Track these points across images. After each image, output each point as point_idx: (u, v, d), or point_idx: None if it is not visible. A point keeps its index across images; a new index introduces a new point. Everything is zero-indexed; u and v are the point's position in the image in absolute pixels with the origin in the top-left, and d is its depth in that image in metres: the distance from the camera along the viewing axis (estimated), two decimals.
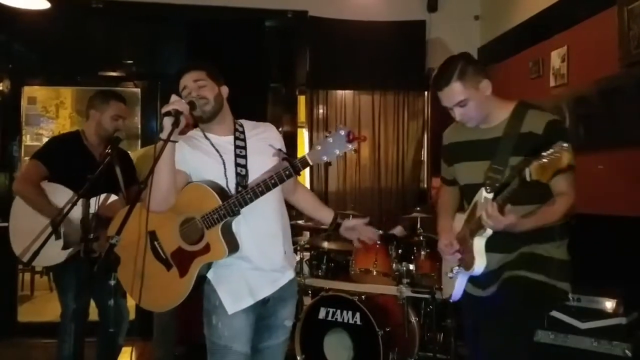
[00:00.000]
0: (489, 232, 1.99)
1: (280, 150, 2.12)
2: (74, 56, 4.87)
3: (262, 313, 2.15)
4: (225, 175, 2.09)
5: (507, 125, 2.07)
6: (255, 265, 2.10)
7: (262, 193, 1.96)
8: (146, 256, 2.03)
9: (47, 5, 3.89)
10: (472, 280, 2.21)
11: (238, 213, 2.01)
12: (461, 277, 2.22)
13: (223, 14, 4.80)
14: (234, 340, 2.05)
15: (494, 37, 4.77)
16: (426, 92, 5.16)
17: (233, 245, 2.06)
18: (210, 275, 2.12)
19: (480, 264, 2.06)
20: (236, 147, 2.14)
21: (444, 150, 2.37)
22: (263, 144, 2.17)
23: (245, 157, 2.13)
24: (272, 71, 5.10)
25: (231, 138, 2.17)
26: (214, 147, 2.13)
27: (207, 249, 2.03)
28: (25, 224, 2.91)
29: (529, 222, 1.96)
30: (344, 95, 5.14)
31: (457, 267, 2.21)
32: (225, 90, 2.20)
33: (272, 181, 1.96)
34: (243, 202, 1.97)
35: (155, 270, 2.07)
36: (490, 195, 2.00)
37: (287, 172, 1.93)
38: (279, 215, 2.18)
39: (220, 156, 2.10)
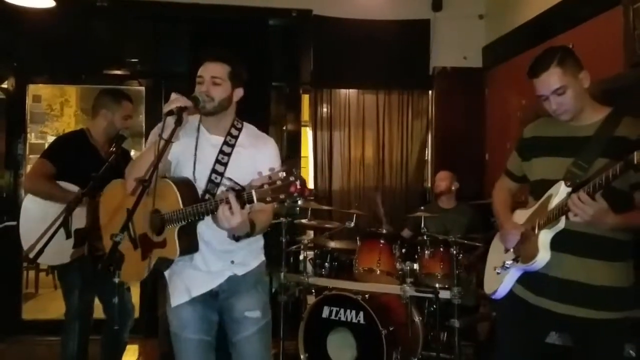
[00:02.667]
0: (561, 225, 1.94)
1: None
2: (79, 55, 4.89)
3: (219, 306, 2.23)
4: (194, 176, 2.13)
5: (601, 126, 2.02)
6: (193, 264, 2.16)
7: (213, 212, 1.94)
8: (117, 222, 2.09)
9: (52, 3, 3.91)
10: (525, 282, 2.14)
11: (199, 219, 2.03)
12: (513, 272, 2.16)
13: (227, 12, 4.80)
14: (182, 329, 2.20)
15: (499, 36, 4.76)
16: (430, 92, 5.15)
17: (189, 247, 2.09)
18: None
19: (543, 257, 2.00)
20: (220, 151, 2.15)
21: (522, 143, 2.29)
22: (250, 162, 2.13)
23: (225, 164, 2.14)
24: (276, 70, 5.10)
25: (220, 140, 2.17)
26: (196, 144, 2.15)
27: (164, 244, 2.07)
28: (35, 224, 2.92)
29: (617, 217, 1.86)
30: (347, 94, 5.14)
31: (510, 261, 2.14)
32: (238, 93, 2.19)
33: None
34: (198, 215, 1.97)
35: (128, 246, 2.09)
36: (570, 189, 1.94)
37: (236, 202, 1.84)
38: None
39: (195, 155, 2.14)
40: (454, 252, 3.44)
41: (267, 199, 1.78)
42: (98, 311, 3.20)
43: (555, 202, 1.97)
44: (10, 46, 4.83)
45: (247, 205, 1.86)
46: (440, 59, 5.07)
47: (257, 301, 2.25)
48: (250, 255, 2.27)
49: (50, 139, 7.45)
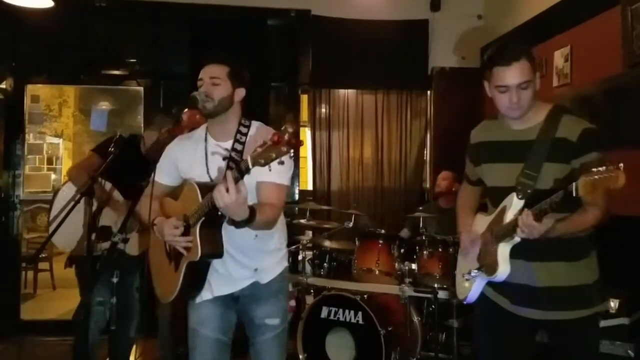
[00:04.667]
0: (517, 239, 1.94)
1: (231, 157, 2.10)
2: (78, 55, 4.89)
3: (238, 309, 2.24)
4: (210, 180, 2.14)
5: (542, 129, 2.01)
6: (216, 267, 2.15)
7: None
8: (160, 248, 2.13)
9: (51, 3, 3.91)
10: (496, 287, 2.14)
11: (218, 216, 1.96)
12: (479, 280, 2.17)
13: (226, 12, 4.81)
14: (201, 325, 2.20)
15: (497, 36, 4.76)
16: (429, 92, 5.16)
17: (213, 249, 2.03)
18: None
19: (504, 271, 2.01)
20: (233, 149, 2.15)
21: (471, 149, 2.30)
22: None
23: (239, 161, 2.12)
24: (274, 70, 5.10)
25: (229, 144, 2.16)
26: (205, 153, 2.16)
27: (189, 248, 2.03)
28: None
29: (561, 227, 1.89)
30: (346, 94, 5.14)
31: (475, 270, 2.14)
32: (240, 93, 2.19)
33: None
34: (211, 203, 1.89)
35: (163, 262, 2.14)
36: (522, 202, 1.95)
37: (235, 175, 1.81)
38: (250, 234, 2.09)
39: (207, 166, 2.15)
40: (453, 252, 3.44)
41: (261, 161, 1.71)
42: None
43: (509, 215, 1.98)
44: (9, 46, 4.82)
45: (245, 188, 1.80)
46: (438, 59, 5.08)
47: (277, 309, 2.25)
48: (274, 262, 2.26)
49: (49, 139, 7.48)
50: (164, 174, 2.25)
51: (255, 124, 2.23)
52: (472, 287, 2.20)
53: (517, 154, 2.04)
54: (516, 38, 2.10)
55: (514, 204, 1.99)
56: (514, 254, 2.01)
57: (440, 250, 3.58)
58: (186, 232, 2.04)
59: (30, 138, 6.33)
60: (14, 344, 4.44)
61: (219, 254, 2.05)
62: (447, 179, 4.34)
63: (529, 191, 1.96)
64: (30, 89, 5.48)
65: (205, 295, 2.19)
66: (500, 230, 2.02)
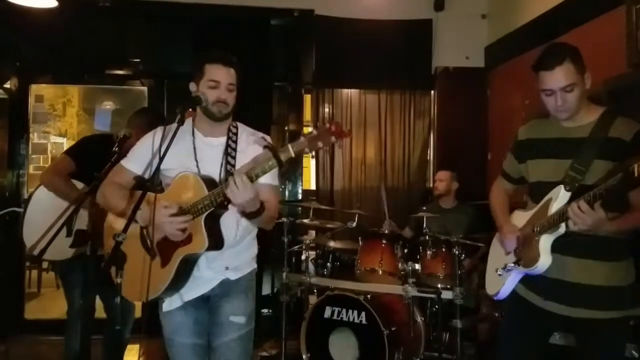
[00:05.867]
0: (561, 231, 1.95)
1: (264, 139, 2.14)
2: (81, 54, 4.90)
3: (209, 308, 2.22)
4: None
5: (595, 128, 2.02)
6: None
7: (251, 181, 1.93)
8: (133, 245, 2.07)
9: (55, 3, 3.91)
10: (528, 283, 2.14)
11: (225, 207, 2.00)
12: (514, 275, 2.16)
13: (229, 12, 4.81)
14: (175, 334, 2.20)
15: (501, 36, 4.75)
16: (432, 92, 5.15)
17: (216, 240, 2.04)
18: None
19: (545, 262, 2.00)
20: (227, 145, 2.17)
21: (517, 146, 2.29)
22: (253, 147, 2.16)
23: (234, 157, 2.16)
24: (278, 70, 5.11)
25: (221, 140, 2.18)
26: (194, 147, 2.16)
27: (189, 239, 2.02)
28: (40, 217, 2.95)
29: (614, 223, 1.90)
30: (349, 94, 5.13)
31: (512, 264, 2.14)
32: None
33: (256, 172, 1.93)
34: (224, 194, 1.94)
35: (141, 260, 2.07)
36: (569, 194, 1.95)
37: (270, 163, 1.88)
38: (232, 235, 2.14)
39: (196, 159, 2.14)
40: (456, 252, 3.44)
41: (305, 150, 1.79)
42: (100, 311, 3.21)
43: (555, 207, 1.98)
44: (13, 46, 4.84)
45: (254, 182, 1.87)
46: (442, 59, 5.06)
47: (244, 307, 2.24)
48: (244, 262, 2.27)
49: (53, 138, 7.48)
50: (136, 162, 2.20)
51: (241, 126, 2.27)
52: (505, 282, 2.19)
53: (566, 150, 2.05)
54: (559, 42, 2.09)
55: (561, 196, 1.98)
56: (556, 249, 2.01)
57: (443, 250, 3.58)
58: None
59: (34, 138, 6.34)
60: (18, 343, 4.45)
61: (220, 247, 2.07)
62: (444, 180, 4.33)
63: (576, 184, 1.96)
64: (35, 89, 5.50)
65: (175, 302, 2.18)
66: (544, 222, 2.01)
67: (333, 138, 1.79)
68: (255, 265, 2.33)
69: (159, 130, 2.17)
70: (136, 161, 2.20)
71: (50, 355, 4.20)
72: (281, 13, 4.93)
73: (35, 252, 2.85)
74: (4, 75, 4.85)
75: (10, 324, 4.62)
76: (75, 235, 2.93)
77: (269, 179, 2.09)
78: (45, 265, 6.15)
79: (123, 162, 2.26)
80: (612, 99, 3.26)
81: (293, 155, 1.82)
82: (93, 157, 2.98)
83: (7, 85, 4.84)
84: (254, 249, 2.34)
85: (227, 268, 2.19)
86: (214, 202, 1.96)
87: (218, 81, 2.10)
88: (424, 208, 4.05)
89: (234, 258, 2.20)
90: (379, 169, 5.10)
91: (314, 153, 1.93)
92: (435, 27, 5.04)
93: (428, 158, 5.20)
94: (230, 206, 2.00)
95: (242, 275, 2.24)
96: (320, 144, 1.79)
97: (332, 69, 4.99)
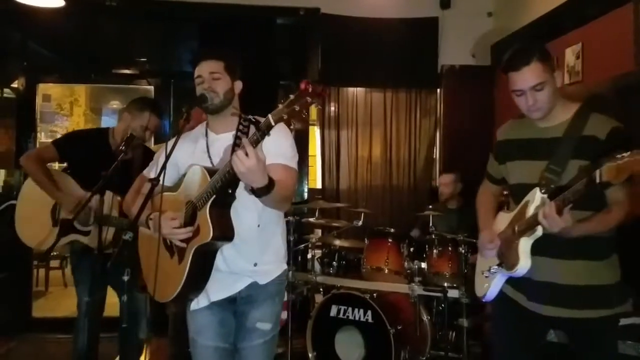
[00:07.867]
0: (539, 233, 1.94)
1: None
2: (88, 54, 4.93)
3: (235, 310, 2.18)
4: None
5: (569, 126, 2.01)
6: (216, 264, 2.09)
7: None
8: (154, 244, 2.05)
9: (62, 3, 3.93)
10: (514, 284, 2.14)
11: (227, 193, 1.96)
12: (499, 277, 2.16)
13: (235, 11, 4.81)
14: (198, 334, 2.18)
15: (508, 33, 4.73)
16: (438, 90, 5.13)
17: (224, 230, 1.98)
18: None
19: (524, 265, 2.00)
20: (236, 137, 2.12)
21: (496, 147, 2.29)
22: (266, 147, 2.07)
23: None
24: (283, 68, 5.12)
25: (230, 135, 2.13)
26: (207, 146, 2.16)
27: (197, 231, 1.99)
28: (30, 208, 2.98)
29: (584, 226, 1.90)
30: (355, 92, 5.13)
31: (495, 267, 2.14)
32: (238, 85, 2.20)
33: (238, 141, 1.91)
34: (224, 178, 1.89)
35: (164, 259, 2.06)
36: (545, 197, 1.95)
37: (255, 137, 1.80)
38: (253, 222, 2.11)
39: (209, 157, 2.13)
40: (463, 251, 3.43)
41: (284, 117, 1.72)
42: (114, 309, 3.21)
43: (532, 209, 1.98)
44: (20, 45, 4.87)
45: (262, 153, 1.80)
46: (448, 57, 5.05)
47: (271, 313, 2.20)
48: (273, 261, 2.21)
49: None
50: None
51: (257, 117, 2.24)
52: (491, 284, 2.19)
53: (542, 151, 2.04)
54: (526, 39, 2.07)
55: (537, 198, 1.98)
56: (538, 251, 2.00)
57: (450, 249, 3.57)
58: (190, 222, 2.02)
59: (41, 137, 6.36)
60: (25, 341, 4.48)
61: (231, 237, 2.00)
62: (447, 184, 4.32)
63: (552, 186, 1.95)
64: (42, 88, 5.52)
65: (202, 301, 2.15)
66: (522, 225, 2.01)
67: (309, 99, 1.68)
68: (285, 266, 2.27)
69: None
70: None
71: (58, 353, 4.22)
72: (287, 12, 4.93)
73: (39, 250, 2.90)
74: (11, 74, 4.88)
75: (18, 322, 4.65)
76: (60, 224, 2.93)
77: (281, 159, 2.05)
78: (54, 263, 6.18)
79: (145, 172, 2.31)
80: (620, 97, 3.25)
81: (273, 123, 1.74)
82: (82, 153, 3.01)
83: (14, 85, 4.87)
84: (282, 246, 2.26)
85: (255, 265, 2.13)
86: (214, 188, 1.93)
87: (200, 75, 2.13)
88: (430, 207, 4.04)
89: (263, 252, 2.15)
90: (385, 167, 5.09)
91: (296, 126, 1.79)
92: (441, 25, 5.02)
93: (434, 157, 5.18)
94: (244, 192, 1.97)
95: (271, 280, 2.18)
96: (297, 108, 1.69)
97: (338, 68, 4.98)
